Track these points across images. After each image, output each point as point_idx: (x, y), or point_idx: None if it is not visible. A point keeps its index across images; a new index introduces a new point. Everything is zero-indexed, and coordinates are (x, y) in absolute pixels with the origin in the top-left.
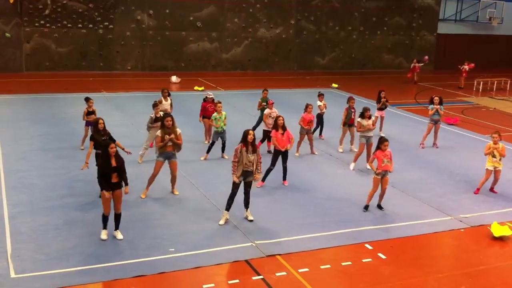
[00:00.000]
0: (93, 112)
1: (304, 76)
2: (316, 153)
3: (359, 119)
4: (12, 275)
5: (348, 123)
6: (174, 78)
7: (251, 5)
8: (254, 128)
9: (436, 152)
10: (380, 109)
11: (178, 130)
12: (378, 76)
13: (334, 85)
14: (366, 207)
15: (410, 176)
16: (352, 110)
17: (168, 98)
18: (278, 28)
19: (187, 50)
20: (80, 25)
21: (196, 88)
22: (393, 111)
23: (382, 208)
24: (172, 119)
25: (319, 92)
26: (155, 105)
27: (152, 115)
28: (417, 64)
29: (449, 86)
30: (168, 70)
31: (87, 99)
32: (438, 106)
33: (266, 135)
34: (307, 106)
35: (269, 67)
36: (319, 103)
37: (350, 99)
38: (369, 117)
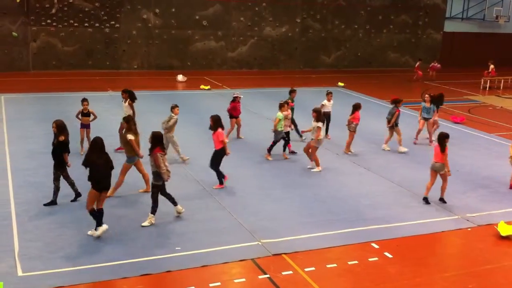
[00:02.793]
0: (88, 114)
1: (310, 75)
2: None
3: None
4: (20, 273)
5: (395, 123)
6: (180, 77)
7: (257, 3)
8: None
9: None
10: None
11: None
12: (384, 75)
13: (340, 83)
14: (426, 199)
15: (416, 175)
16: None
17: (129, 100)
18: (284, 27)
19: (193, 48)
20: (86, 24)
21: (202, 87)
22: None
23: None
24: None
25: (328, 90)
26: (174, 107)
27: (175, 117)
28: (437, 64)
29: (455, 85)
30: (174, 69)
31: (82, 100)
32: (429, 105)
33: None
34: (359, 105)
35: (275, 65)
36: (327, 102)
37: (398, 101)
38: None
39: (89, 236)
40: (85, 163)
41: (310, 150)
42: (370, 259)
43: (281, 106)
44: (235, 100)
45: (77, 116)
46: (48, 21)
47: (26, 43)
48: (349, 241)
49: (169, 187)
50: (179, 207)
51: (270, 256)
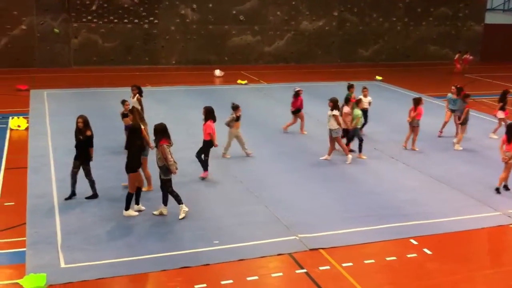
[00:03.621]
0: (127, 115)
1: (347, 69)
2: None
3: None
4: (62, 265)
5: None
6: (217, 72)
7: None
8: (362, 126)
9: (483, 145)
10: (502, 109)
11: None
12: (423, 68)
13: (378, 77)
14: (498, 189)
15: (456, 170)
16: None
17: (138, 95)
18: (321, 20)
19: (230, 43)
20: (126, 20)
21: (239, 81)
22: (438, 103)
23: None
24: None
25: (364, 86)
26: (236, 108)
27: (233, 115)
28: (469, 56)
29: (497, 78)
30: (211, 64)
31: (123, 102)
32: (456, 97)
33: (346, 134)
34: (420, 100)
35: (312, 59)
36: (363, 98)
37: (468, 96)
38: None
39: (128, 229)
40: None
41: (336, 142)
42: (409, 255)
43: (358, 102)
44: (298, 94)
45: (123, 119)
46: (89, 17)
47: (68, 39)
48: (387, 236)
49: (209, 184)
50: (164, 210)
51: (307, 250)
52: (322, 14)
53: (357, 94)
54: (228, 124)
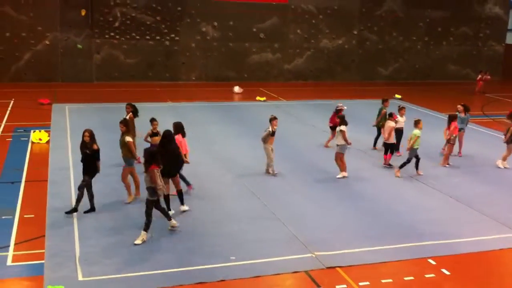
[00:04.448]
0: (157, 134)
1: (367, 87)
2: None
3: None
4: (80, 277)
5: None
6: (236, 89)
7: (314, 16)
8: (376, 140)
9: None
10: None
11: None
12: (443, 87)
13: (397, 96)
14: None
15: (475, 190)
16: None
17: (131, 114)
18: (341, 39)
19: (250, 60)
20: (147, 37)
21: (258, 98)
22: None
23: None
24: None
25: (400, 105)
26: (271, 120)
27: (269, 129)
28: (487, 76)
29: None
30: (231, 81)
31: (151, 120)
32: (464, 115)
33: (389, 148)
34: (455, 116)
35: (331, 77)
36: (399, 118)
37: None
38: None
39: (144, 243)
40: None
41: (339, 159)
42: (427, 276)
43: (417, 123)
44: (339, 111)
45: (145, 139)
46: (111, 34)
47: (90, 55)
48: (405, 256)
49: (215, 195)
50: (173, 221)
51: (323, 269)
52: (342, 33)
53: (375, 112)
54: (264, 140)
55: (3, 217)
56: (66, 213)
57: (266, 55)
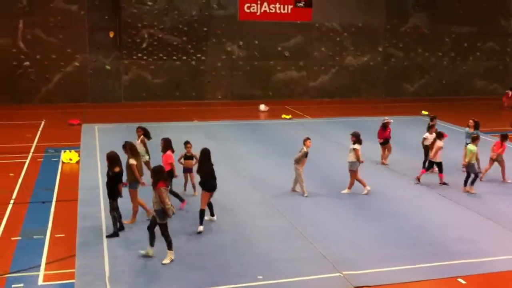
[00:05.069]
0: (192, 157)
1: (393, 104)
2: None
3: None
4: None
5: None
6: (262, 107)
7: (338, 34)
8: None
9: None
10: None
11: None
12: (470, 103)
13: (424, 112)
14: None
15: (505, 208)
16: None
17: (143, 137)
18: (366, 56)
19: (275, 79)
20: (174, 57)
21: (283, 116)
22: (487, 139)
23: None
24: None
25: (430, 123)
26: (305, 140)
27: (304, 149)
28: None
29: None
30: (256, 99)
31: (185, 143)
32: (473, 130)
33: (432, 165)
34: (507, 136)
35: (356, 94)
36: (428, 135)
37: None
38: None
39: (175, 262)
40: (199, 171)
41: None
42: None
43: (475, 140)
44: (386, 125)
45: (179, 161)
46: (139, 54)
47: (119, 75)
48: (434, 275)
49: (254, 218)
50: (150, 250)
51: None
52: (367, 50)
53: (402, 129)
54: (297, 161)
55: (35, 237)
56: (107, 236)
57: (291, 73)
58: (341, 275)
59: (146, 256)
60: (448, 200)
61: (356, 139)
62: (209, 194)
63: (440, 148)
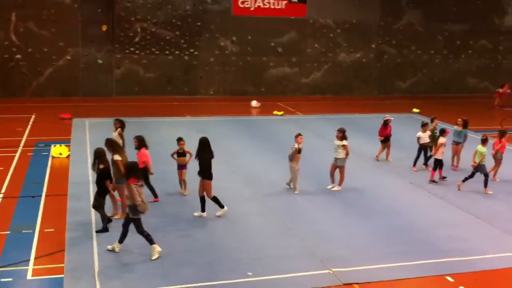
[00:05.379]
0: (184, 154)
1: (384, 101)
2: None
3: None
4: None
5: None
6: (254, 103)
7: (332, 30)
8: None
9: None
10: None
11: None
12: (462, 101)
13: (415, 110)
14: None
15: (496, 207)
16: None
17: (119, 129)
18: (359, 52)
19: (268, 75)
20: (167, 52)
21: (275, 112)
22: (476, 137)
23: None
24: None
25: (423, 121)
26: (296, 136)
27: (296, 146)
28: (508, 90)
29: None
30: (248, 95)
31: (178, 140)
32: (461, 129)
33: (439, 164)
34: (505, 132)
35: (349, 91)
36: (421, 133)
37: None
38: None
39: (162, 258)
40: (199, 158)
41: (335, 170)
42: None
43: (484, 141)
44: (387, 123)
45: (172, 156)
46: (132, 49)
47: (111, 69)
48: (424, 273)
49: (246, 214)
50: (117, 246)
51: (340, 285)
52: (360, 46)
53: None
54: (291, 157)
55: (24, 231)
56: (97, 232)
57: (283, 69)
58: (331, 272)
59: (113, 251)
60: (439, 199)
61: (343, 135)
62: (210, 182)
63: (442, 144)
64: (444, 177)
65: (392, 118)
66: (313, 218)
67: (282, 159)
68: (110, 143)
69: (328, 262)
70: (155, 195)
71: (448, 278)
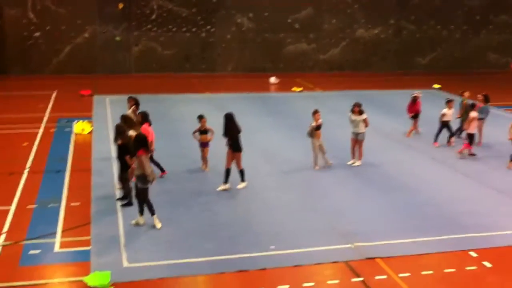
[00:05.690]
0: (206, 131)
1: (403, 77)
2: None
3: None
4: (125, 264)
5: None
6: (273, 79)
7: (349, 6)
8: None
9: None
10: None
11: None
12: (482, 76)
13: (436, 85)
14: None
15: None
16: None
17: (134, 107)
18: (377, 28)
19: (285, 51)
20: (184, 29)
21: (294, 89)
22: (499, 113)
23: None
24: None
25: (448, 98)
26: (314, 113)
27: (313, 124)
28: None
29: None
30: (266, 71)
31: (200, 117)
32: (483, 104)
33: (471, 138)
34: None
35: (367, 67)
36: (447, 110)
37: None
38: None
39: (188, 231)
40: (228, 134)
41: (358, 146)
42: (468, 268)
43: None
44: (416, 99)
45: (193, 134)
46: (149, 26)
47: (129, 47)
48: (446, 248)
49: (261, 185)
50: (141, 219)
51: (363, 259)
52: (379, 22)
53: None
54: (310, 134)
55: (50, 205)
56: (121, 206)
57: (301, 45)
58: (353, 246)
59: (137, 225)
60: (459, 174)
61: (360, 109)
62: (240, 154)
63: (474, 118)
64: (474, 154)
65: (421, 94)
66: (333, 193)
67: (301, 135)
68: (125, 119)
69: (349, 236)
70: (162, 170)
71: (472, 253)
